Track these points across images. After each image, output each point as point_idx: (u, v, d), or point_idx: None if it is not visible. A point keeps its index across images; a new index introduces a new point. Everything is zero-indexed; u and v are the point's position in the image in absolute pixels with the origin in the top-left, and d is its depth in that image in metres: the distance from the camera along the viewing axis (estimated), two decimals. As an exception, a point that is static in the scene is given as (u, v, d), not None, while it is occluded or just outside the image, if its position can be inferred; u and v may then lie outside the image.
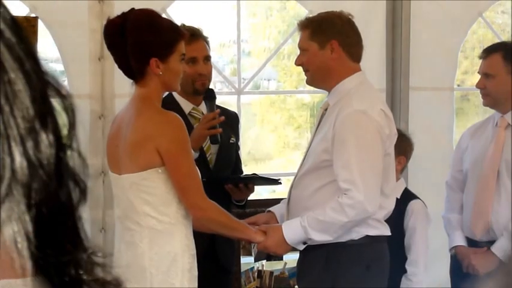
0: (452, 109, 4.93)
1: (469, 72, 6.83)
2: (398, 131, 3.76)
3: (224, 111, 3.83)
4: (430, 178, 4.16)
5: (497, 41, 4.75)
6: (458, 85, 5.86)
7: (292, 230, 3.16)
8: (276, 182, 3.66)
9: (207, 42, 3.66)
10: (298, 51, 3.34)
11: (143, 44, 2.88)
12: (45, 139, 0.56)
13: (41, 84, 0.57)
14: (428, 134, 3.91)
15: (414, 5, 4.74)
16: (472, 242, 3.84)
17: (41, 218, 0.57)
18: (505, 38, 5.68)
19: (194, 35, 3.54)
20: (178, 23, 3.19)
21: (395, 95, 4.74)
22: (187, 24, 3.61)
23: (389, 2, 4.76)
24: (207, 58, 3.64)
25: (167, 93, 3.48)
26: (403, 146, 3.83)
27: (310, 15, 3.55)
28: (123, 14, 2.93)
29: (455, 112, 5.00)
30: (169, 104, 3.48)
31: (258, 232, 3.18)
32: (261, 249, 3.27)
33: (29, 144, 0.55)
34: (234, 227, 3.13)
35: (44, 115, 0.57)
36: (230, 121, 3.76)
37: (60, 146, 0.59)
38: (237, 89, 4.69)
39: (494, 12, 6.93)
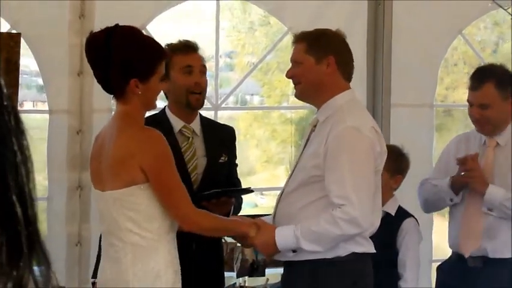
0: (432, 126, 4.95)
1: (450, 88, 6.85)
2: (398, 150, 3.79)
3: (219, 127, 3.76)
4: (409, 194, 4.16)
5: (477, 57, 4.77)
6: (442, 101, 5.88)
7: (284, 237, 3.15)
8: (248, 191, 3.62)
9: (203, 58, 3.58)
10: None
11: (126, 63, 2.85)
12: None
13: None
14: (407, 151, 3.91)
15: (395, 22, 4.76)
16: (460, 257, 3.79)
17: None
18: (484, 55, 5.73)
19: (191, 48, 3.52)
20: (158, 40, 3.15)
21: (377, 112, 4.75)
22: (175, 40, 3.56)
23: (370, 19, 4.78)
24: (203, 70, 3.55)
25: (160, 109, 3.46)
26: (403, 166, 3.86)
27: (294, 32, 3.52)
28: (108, 28, 2.89)
29: (438, 128, 5.00)
30: (160, 120, 3.45)
31: (251, 226, 3.17)
32: (249, 244, 3.26)
33: None
34: (227, 228, 3.19)
35: None
36: (224, 138, 3.66)
37: None
38: (214, 105, 4.66)
39: (476, 28, 6.96)
